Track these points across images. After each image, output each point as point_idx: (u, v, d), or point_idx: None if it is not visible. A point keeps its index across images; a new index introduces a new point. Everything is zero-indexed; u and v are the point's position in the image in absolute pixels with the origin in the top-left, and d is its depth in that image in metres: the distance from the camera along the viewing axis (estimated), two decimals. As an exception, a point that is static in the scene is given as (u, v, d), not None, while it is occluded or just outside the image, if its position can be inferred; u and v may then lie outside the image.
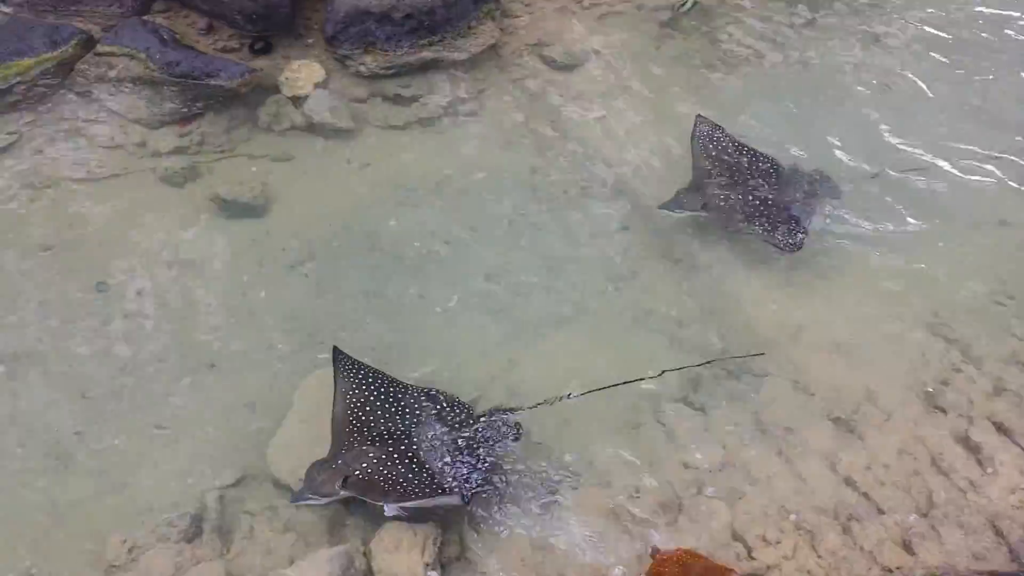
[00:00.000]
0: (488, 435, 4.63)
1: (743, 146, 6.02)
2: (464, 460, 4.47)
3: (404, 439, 4.48)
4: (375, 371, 4.76)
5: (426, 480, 4.31)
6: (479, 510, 4.49)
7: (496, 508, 4.50)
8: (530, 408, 4.73)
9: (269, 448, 4.74)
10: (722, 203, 5.70)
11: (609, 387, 4.79)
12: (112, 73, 6.14)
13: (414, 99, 6.47)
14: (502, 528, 4.42)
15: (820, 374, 5.15)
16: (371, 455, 4.37)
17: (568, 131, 6.47)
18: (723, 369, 5.16)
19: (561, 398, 4.79)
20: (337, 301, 5.46)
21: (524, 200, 6.01)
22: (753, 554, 4.31)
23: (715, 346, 5.30)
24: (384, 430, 4.50)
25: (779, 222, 5.60)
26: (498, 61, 6.82)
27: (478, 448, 4.54)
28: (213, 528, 4.44)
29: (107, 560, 4.30)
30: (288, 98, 6.32)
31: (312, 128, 6.25)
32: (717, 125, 6.06)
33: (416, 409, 4.64)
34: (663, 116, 6.59)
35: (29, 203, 5.74)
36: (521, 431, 4.69)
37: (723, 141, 6.00)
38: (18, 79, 6.07)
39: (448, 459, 4.45)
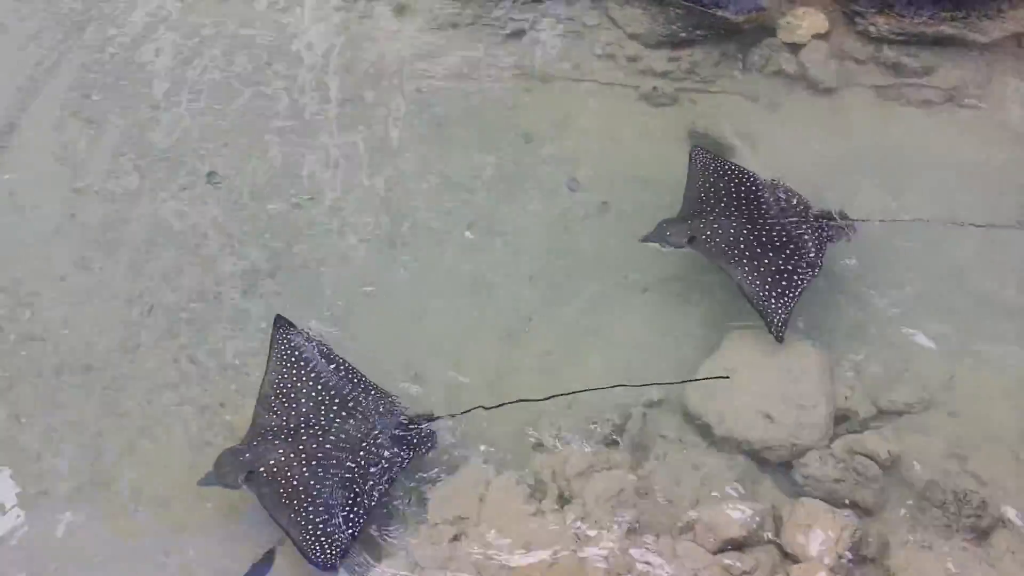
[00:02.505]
0: (406, 443, 4.34)
1: (746, 172, 5.15)
2: (367, 483, 4.19)
3: (319, 437, 4.25)
4: (314, 348, 4.52)
5: (315, 507, 4.06)
6: (902, 519, 4.26)
7: (923, 522, 4.25)
8: (453, 416, 4.52)
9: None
10: (708, 238, 4.86)
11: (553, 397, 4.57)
12: (625, -16, 6.35)
13: (915, 73, 6.01)
14: (926, 545, 4.15)
15: None
16: (280, 451, 4.19)
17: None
18: None
19: (488, 407, 4.52)
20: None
21: (993, 210, 5.37)
22: None
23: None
24: (302, 422, 4.28)
25: (771, 285, 4.70)
26: (1018, 52, 6.13)
27: (390, 458, 4.27)
28: (631, 441, 4.61)
29: (536, 438, 4.63)
30: (783, 43, 6.15)
31: (800, 79, 6.03)
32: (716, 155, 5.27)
33: (341, 403, 4.36)
34: None
35: (524, 93, 6.13)
36: (435, 442, 4.43)
37: (722, 167, 5.17)
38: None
39: (352, 475, 4.19)
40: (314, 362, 4.46)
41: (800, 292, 4.68)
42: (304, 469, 4.14)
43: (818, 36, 6.13)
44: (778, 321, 4.63)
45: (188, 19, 6.37)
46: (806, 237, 4.89)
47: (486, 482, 4.45)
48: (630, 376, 4.78)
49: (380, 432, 4.33)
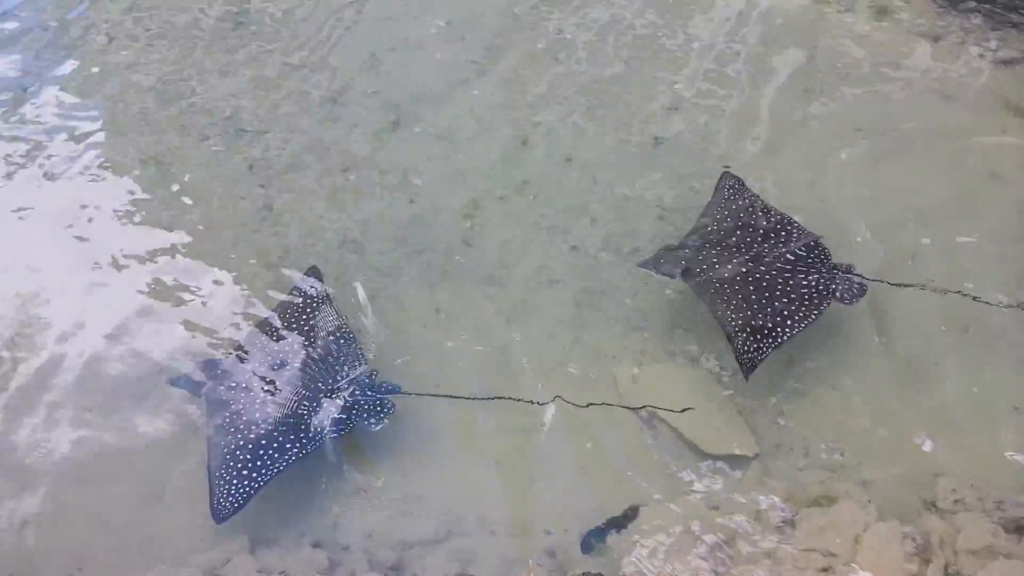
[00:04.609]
0: (362, 407, 4.30)
1: (769, 210, 4.90)
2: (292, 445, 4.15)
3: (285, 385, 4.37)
4: (323, 302, 4.66)
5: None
6: None
7: None
8: (414, 394, 4.45)
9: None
10: (701, 274, 4.66)
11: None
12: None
13: None
14: None
15: None
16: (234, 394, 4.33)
17: None
18: None
19: (458, 397, 4.52)
20: None
21: None
22: None
23: None
24: (275, 364, 4.43)
25: (751, 328, 4.44)
26: None
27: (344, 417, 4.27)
28: (1042, 535, 4.15)
29: (933, 497, 4.31)
30: None
31: None
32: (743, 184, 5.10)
33: (318, 353, 4.46)
34: None
35: (995, 126, 5.66)
36: (388, 413, 4.29)
37: (744, 200, 4.97)
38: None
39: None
40: (314, 313, 4.64)
41: (781, 341, 4.42)
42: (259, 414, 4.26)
43: None
44: (747, 359, 4.39)
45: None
46: (804, 288, 4.56)
47: (865, 524, 4.20)
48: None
49: (341, 392, 4.38)
